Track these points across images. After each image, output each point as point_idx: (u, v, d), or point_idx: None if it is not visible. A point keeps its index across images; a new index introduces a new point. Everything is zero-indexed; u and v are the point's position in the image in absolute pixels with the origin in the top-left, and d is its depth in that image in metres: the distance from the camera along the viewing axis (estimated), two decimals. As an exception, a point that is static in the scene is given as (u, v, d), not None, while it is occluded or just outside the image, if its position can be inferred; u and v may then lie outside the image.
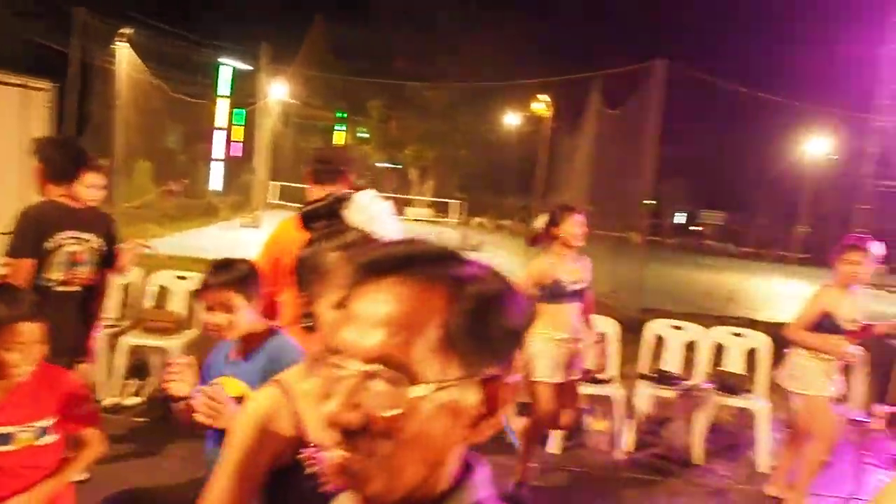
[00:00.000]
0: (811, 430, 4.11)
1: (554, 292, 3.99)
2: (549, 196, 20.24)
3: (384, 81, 24.50)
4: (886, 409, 5.92)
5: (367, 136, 33.22)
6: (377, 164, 32.72)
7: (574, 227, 4.00)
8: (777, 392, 5.28)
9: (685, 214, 37.13)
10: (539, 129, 26.41)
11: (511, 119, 31.48)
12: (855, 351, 4.06)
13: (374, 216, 1.61)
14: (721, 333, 5.41)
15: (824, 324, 4.01)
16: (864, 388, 5.50)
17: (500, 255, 15.71)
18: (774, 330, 6.40)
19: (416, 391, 0.71)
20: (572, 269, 4.04)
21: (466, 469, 0.81)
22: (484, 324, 0.75)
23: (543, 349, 3.97)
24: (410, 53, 28.38)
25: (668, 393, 5.11)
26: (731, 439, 5.34)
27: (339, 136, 32.47)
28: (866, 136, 14.88)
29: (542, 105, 27.92)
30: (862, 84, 15.52)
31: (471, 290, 0.76)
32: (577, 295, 4.06)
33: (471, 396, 0.75)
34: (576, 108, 16.70)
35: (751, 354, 5.28)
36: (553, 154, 22.39)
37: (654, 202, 24.11)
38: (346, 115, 32.09)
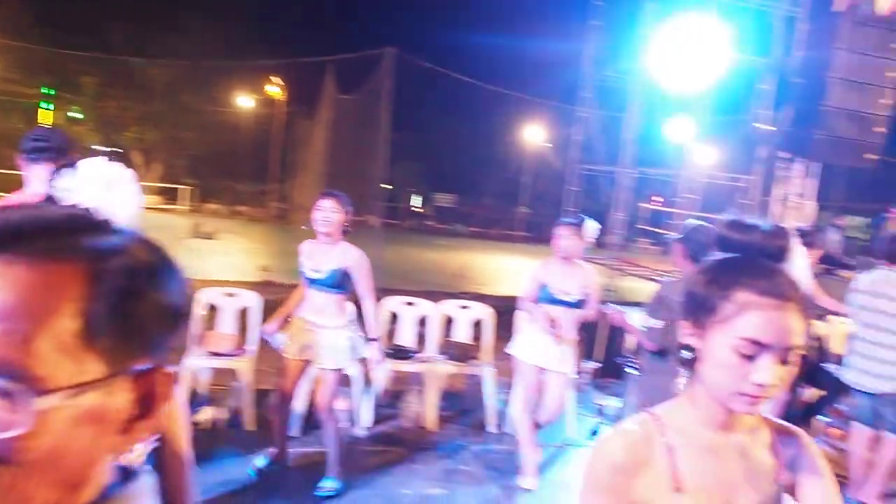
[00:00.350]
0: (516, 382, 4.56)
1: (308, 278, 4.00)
2: (286, 181, 19.96)
3: (97, 56, 22.35)
4: (592, 364, 6.72)
5: (80, 116, 30.09)
6: (94, 147, 29.82)
7: (316, 212, 3.92)
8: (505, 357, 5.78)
9: (420, 198, 38.77)
10: (274, 112, 25.89)
11: (244, 101, 30.46)
12: (567, 318, 4.48)
13: (109, 184, 1.28)
14: (450, 307, 5.74)
15: (543, 295, 4.43)
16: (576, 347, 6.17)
17: (238, 242, 15.20)
18: (501, 302, 6.99)
19: (44, 402, 0.55)
20: (325, 256, 3.97)
21: (123, 478, 0.69)
22: (133, 306, 0.61)
23: (292, 330, 4.01)
24: (129, 27, 26.20)
25: (405, 367, 5.32)
26: (463, 404, 5.72)
27: (46, 115, 29.00)
28: (573, 126, 16.67)
29: (276, 88, 27.37)
30: (569, 78, 17.33)
31: (114, 265, 0.61)
32: (324, 283, 4.01)
33: (119, 397, 0.61)
34: (310, 93, 16.62)
35: (477, 325, 5.68)
36: (289, 138, 22.08)
37: (389, 186, 24.95)
38: (54, 93, 28.76)
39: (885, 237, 4.86)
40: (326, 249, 3.92)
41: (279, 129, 23.90)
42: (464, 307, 5.75)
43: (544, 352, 4.39)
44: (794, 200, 9.09)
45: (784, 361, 1.18)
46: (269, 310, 6.18)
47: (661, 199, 15.44)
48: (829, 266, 7.51)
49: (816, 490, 1.29)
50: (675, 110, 13.60)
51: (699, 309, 1.24)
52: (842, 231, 12.58)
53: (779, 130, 9.45)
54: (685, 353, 1.27)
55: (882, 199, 13.93)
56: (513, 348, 4.55)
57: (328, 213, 3.87)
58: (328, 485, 4.04)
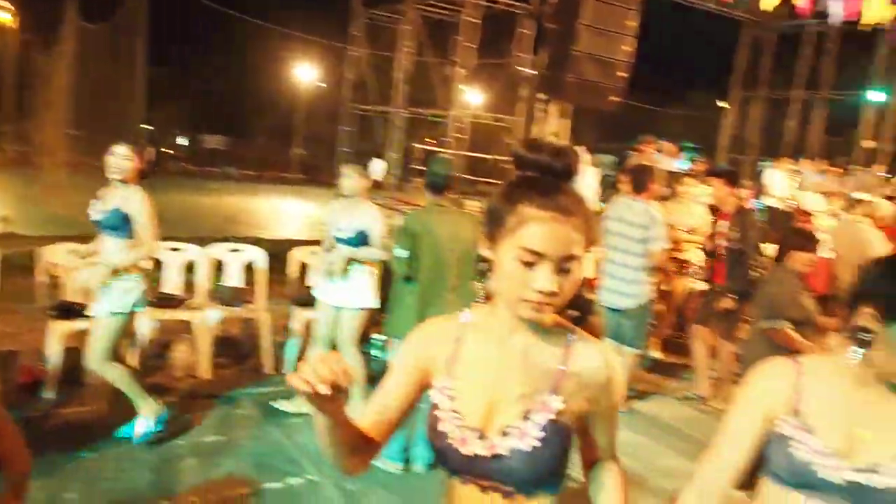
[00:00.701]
0: None
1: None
2: (22, 121, 17.77)
3: None
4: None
5: None
6: None
7: (108, 157, 3.86)
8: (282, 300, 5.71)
9: (187, 140, 36.44)
10: (6, 41, 22.75)
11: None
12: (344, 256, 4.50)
13: None
14: (220, 251, 5.52)
15: (327, 235, 4.49)
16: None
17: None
18: (277, 245, 6.83)
19: None
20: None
21: None
22: None
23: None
24: None
25: (172, 315, 5.07)
26: (238, 350, 5.59)
27: None
28: (344, 65, 16.49)
29: (6, 14, 24.00)
30: (340, 16, 17.01)
31: None
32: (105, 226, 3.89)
33: None
34: (49, 20, 14.76)
35: (251, 270, 5.51)
36: (24, 72, 19.57)
37: (150, 127, 23.11)
38: None
39: (631, 169, 5.42)
40: (114, 193, 3.89)
41: (11, 62, 21.07)
42: (234, 251, 5.55)
43: (335, 290, 4.42)
44: (551, 140, 9.79)
45: (563, 271, 1.27)
46: (13, 266, 5.56)
47: (434, 140, 15.88)
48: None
49: (608, 410, 1.44)
50: (443, 52, 13.92)
51: (492, 223, 1.33)
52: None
53: (538, 74, 10.07)
54: (481, 266, 1.35)
55: (627, 138, 15.46)
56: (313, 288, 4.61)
57: (120, 159, 3.84)
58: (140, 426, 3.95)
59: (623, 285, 4.97)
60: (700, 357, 5.50)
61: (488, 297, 1.41)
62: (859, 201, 7.28)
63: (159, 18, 11.48)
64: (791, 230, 4.72)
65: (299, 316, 5.14)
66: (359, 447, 1.38)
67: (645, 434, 4.80)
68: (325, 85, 31.52)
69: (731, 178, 5.54)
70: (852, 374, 1.49)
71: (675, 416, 5.24)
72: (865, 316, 1.45)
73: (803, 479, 1.46)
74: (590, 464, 1.52)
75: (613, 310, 5.03)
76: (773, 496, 1.52)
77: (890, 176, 13.26)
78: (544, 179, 1.32)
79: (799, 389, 1.51)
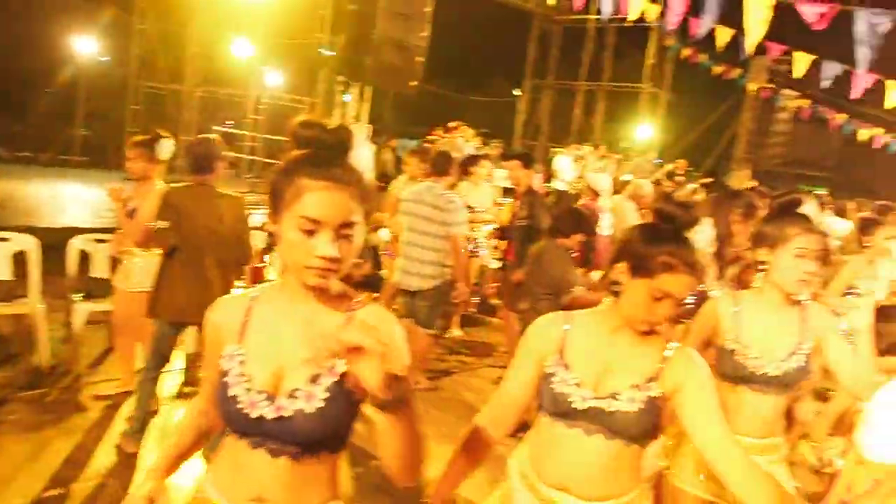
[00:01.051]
0: None
1: None
2: None
3: None
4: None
5: None
6: None
7: None
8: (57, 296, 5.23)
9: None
10: None
11: None
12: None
13: None
14: (-17, 240, 4.96)
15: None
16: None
17: None
18: (56, 234, 6.23)
19: None
20: None
21: None
22: None
23: None
24: None
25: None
26: (10, 348, 5.08)
27: None
28: (131, 39, 15.38)
29: None
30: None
31: None
32: None
33: None
34: None
35: (22, 261, 5.01)
36: None
37: None
38: None
39: (434, 155, 5.54)
40: None
41: None
42: (2, 239, 5.01)
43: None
44: (351, 123, 9.80)
45: (343, 237, 1.35)
46: None
47: (234, 123, 15.28)
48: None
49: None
50: (238, 30, 13.41)
51: (274, 198, 1.40)
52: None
53: (337, 56, 10.02)
54: (269, 240, 1.44)
55: (425, 122, 15.82)
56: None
57: None
58: None
59: (419, 266, 5.08)
60: (511, 334, 5.75)
61: (280, 273, 1.48)
62: (626, 183, 8.08)
63: None
64: (565, 212, 5.13)
65: (81, 309, 4.77)
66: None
67: (451, 411, 4.96)
68: (108, 59, 29.16)
69: (526, 161, 5.88)
70: (609, 322, 1.79)
71: (481, 392, 5.46)
72: (617, 271, 1.75)
73: (562, 409, 1.74)
74: None
75: (409, 291, 5.13)
76: (543, 427, 1.82)
77: (662, 161, 14.74)
78: (318, 153, 1.40)
79: (565, 335, 1.80)
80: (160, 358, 3.86)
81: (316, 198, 1.33)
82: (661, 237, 1.69)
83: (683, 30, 10.21)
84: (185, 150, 3.92)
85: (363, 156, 8.64)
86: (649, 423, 1.71)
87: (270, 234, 1.43)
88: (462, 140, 10.33)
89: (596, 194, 7.53)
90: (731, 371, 2.32)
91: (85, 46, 29.30)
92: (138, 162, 4.29)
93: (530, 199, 5.59)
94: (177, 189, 3.82)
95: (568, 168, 11.31)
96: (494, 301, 7.21)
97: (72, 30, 28.30)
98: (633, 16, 8.78)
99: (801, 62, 10.01)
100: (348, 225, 1.35)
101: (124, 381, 4.56)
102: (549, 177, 11.36)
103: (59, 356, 4.88)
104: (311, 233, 1.33)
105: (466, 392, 5.44)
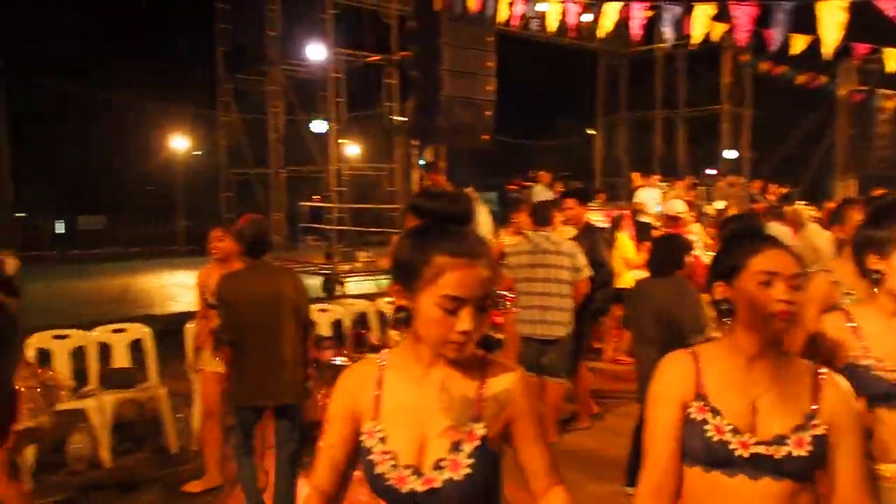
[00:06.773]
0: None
1: None
2: None
3: None
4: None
5: None
6: None
7: None
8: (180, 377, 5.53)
9: (63, 222, 34.77)
10: None
11: None
12: None
13: None
14: (104, 333, 5.35)
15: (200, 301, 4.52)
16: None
17: None
18: (171, 319, 6.62)
19: None
20: None
21: None
22: None
23: None
24: None
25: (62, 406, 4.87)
26: (138, 431, 5.41)
27: None
28: (217, 131, 16.35)
29: None
30: (207, 83, 16.86)
31: None
32: None
33: None
34: None
35: (140, 349, 5.37)
36: None
37: (22, 214, 21.98)
38: None
39: (538, 205, 5.52)
40: None
41: None
42: (118, 330, 5.41)
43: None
44: (442, 187, 10.09)
45: (481, 309, 1.39)
46: None
47: (320, 196, 15.96)
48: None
49: (527, 428, 1.49)
50: (314, 110, 14.10)
51: (406, 275, 1.41)
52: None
53: (409, 120, 10.39)
54: (399, 314, 1.44)
55: (502, 173, 16.05)
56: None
57: None
58: None
59: (549, 314, 4.97)
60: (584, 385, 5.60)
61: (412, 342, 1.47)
62: (721, 211, 7.77)
63: (19, 103, 11.06)
64: (671, 242, 4.57)
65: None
66: None
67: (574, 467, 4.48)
68: (200, 153, 30.96)
69: (582, 197, 5.83)
70: (740, 352, 1.61)
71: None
72: (718, 290, 1.64)
73: (719, 457, 1.55)
74: (536, 493, 1.53)
75: (536, 341, 5.00)
76: (694, 479, 1.61)
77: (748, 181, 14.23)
78: (448, 227, 1.42)
79: (698, 375, 1.62)
80: (246, 440, 3.77)
81: (457, 277, 1.35)
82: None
83: (758, 44, 9.95)
84: (235, 234, 3.92)
85: (483, 221, 8.71)
86: (821, 461, 1.56)
87: (400, 308, 1.45)
88: (541, 187, 10.44)
89: (674, 221, 7.12)
90: (873, 389, 1.98)
91: (178, 144, 31.26)
92: (222, 244, 4.45)
93: (589, 235, 5.59)
94: (228, 278, 3.83)
95: (652, 201, 11.17)
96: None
97: (163, 131, 30.29)
98: (697, 38, 8.69)
99: (893, 59, 9.54)
100: (487, 297, 1.39)
101: (210, 475, 4.46)
102: (634, 212, 11.24)
103: (185, 437, 5.17)
104: (453, 311, 1.36)
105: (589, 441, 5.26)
